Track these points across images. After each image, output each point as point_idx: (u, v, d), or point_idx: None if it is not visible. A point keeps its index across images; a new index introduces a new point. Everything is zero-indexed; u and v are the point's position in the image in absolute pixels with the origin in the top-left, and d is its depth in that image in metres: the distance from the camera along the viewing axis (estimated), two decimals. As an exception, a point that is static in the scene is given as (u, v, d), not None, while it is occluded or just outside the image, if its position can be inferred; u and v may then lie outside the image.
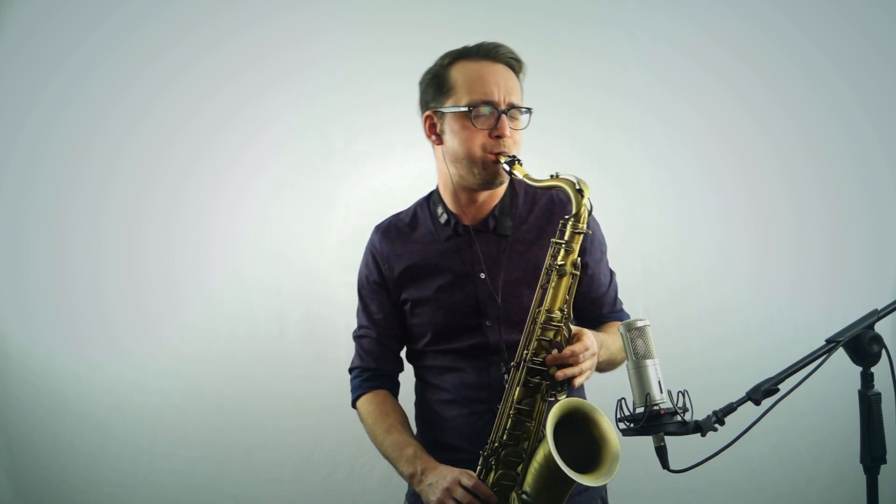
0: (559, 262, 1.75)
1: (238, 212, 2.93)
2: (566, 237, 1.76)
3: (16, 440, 2.98)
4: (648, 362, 1.58)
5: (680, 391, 1.55)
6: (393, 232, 1.98)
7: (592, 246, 1.93)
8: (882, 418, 1.53)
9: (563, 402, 1.68)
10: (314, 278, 2.90)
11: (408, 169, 2.79)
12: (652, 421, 1.53)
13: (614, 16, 2.88)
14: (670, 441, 1.56)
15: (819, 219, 2.86)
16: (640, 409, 1.55)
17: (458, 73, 1.84)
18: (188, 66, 2.91)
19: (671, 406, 1.55)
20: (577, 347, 1.70)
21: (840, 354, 1.54)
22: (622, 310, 2.04)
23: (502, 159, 1.80)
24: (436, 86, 1.87)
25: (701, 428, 1.52)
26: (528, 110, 1.86)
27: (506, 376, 1.80)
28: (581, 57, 2.86)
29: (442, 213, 1.93)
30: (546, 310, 1.74)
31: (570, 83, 2.86)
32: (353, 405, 2.00)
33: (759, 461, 2.83)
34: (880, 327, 1.56)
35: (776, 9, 2.85)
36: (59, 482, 2.96)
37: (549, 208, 1.93)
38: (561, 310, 1.74)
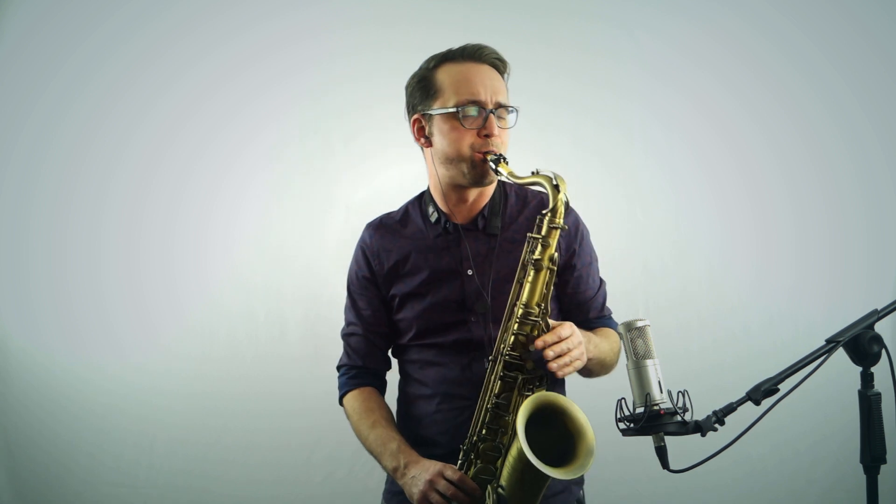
0: (536, 257, 1.76)
1: (238, 212, 2.93)
2: (543, 232, 1.77)
3: (16, 440, 2.98)
4: (648, 362, 1.58)
5: (680, 391, 1.55)
6: (383, 228, 2.00)
7: (582, 249, 1.96)
8: (882, 418, 1.53)
9: (535, 395, 1.70)
10: (314, 279, 2.90)
11: (407, 169, 2.77)
12: (652, 421, 1.53)
13: (614, 15, 2.88)
14: (670, 441, 1.56)
15: (819, 219, 2.86)
16: (640, 409, 1.56)
17: (445, 75, 1.86)
18: (188, 66, 2.91)
19: (671, 406, 1.55)
20: (559, 333, 1.70)
21: (840, 354, 1.54)
22: (611, 317, 2.04)
23: (489, 157, 1.82)
24: (422, 89, 1.89)
25: (701, 428, 1.52)
26: (515, 109, 1.89)
27: (488, 360, 1.81)
28: (581, 56, 2.86)
29: (433, 213, 1.95)
30: (523, 304, 1.75)
31: (570, 82, 2.87)
32: (340, 402, 2.02)
33: (759, 461, 2.83)
34: (880, 327, 1.56)
35: (776, 8, 2.85)
36: (58, 482, 2.96)
37: (538, 210, 1.94)
38: (538, 304, 1.76)
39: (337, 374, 2.05)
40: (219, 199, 2.93)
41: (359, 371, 2.01)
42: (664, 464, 1.57)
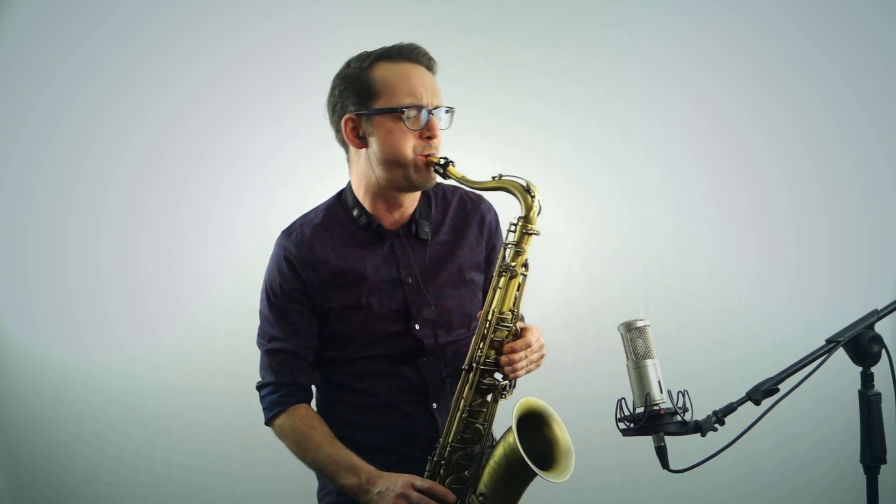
0: (510, 263, 1.75)
1: (238, 212, 2.93)
2: (516, 238, 1.75)
3: (16, 439, 2.99)
4: (648, 362, 1.58)
5: (680, 391, 1.55)
6: (308, 235, 1.90)
7: (499, 243, 1.91)
8: (882, 418, 1.53)
9: (524, 401, 1.72)
10: (314, 278, 2.89)
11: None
12: (652, 421, 1.53)
13: (614, 15, 2.88)
14: (670, 441, 1.56)
15: (819, 219, 2.86)
16: (640, 409, 1.56)
17: (382, 75, 1.80)
18: (188, 66, 2.91)
19: (671, 406, 1.55)
20: (529, 340, 1.74)
21: (840, 354, 1.54)
22: None
23: (433, 160, 1.78)
24: (358, 89, 1.83)
25: (701, 428, 1.52)
26: (452, 110, 1.84)
27: (447, 379, 1.81)
28: (581, 56, 2.86)
29: (360, 216, 1.88)
30: (497, 311, 1.74)
31: (571, 82, 2.87)
32: (268, 423, 1.91)
33: (759, 461, 2.83)
34: (880, 327, 1.56)
35: (776, 8, 2.85)
36: (58, 481, 2.96)
37: (461, 208, 1.93)
38: (511, 310, 1.75)
39: (258, 392, 1.95)
40: (219, 198, 2.93)
41: (290, 389, 1.89)
42: (664, 464, 1.57)
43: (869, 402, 1.53)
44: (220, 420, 2.91)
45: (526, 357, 1.74)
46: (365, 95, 1.82)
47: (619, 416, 1.57)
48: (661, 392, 1.56)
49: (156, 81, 2.92)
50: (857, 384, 1.55)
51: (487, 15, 2.85)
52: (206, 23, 2.91)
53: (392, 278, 1.86)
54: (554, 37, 2.86)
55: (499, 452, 1.72)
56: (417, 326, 1.85)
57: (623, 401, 1.58)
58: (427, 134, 1.79)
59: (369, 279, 1.85)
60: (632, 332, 1.60)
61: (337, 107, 1.87)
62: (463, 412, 1.75)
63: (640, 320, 1.61)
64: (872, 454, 1.53)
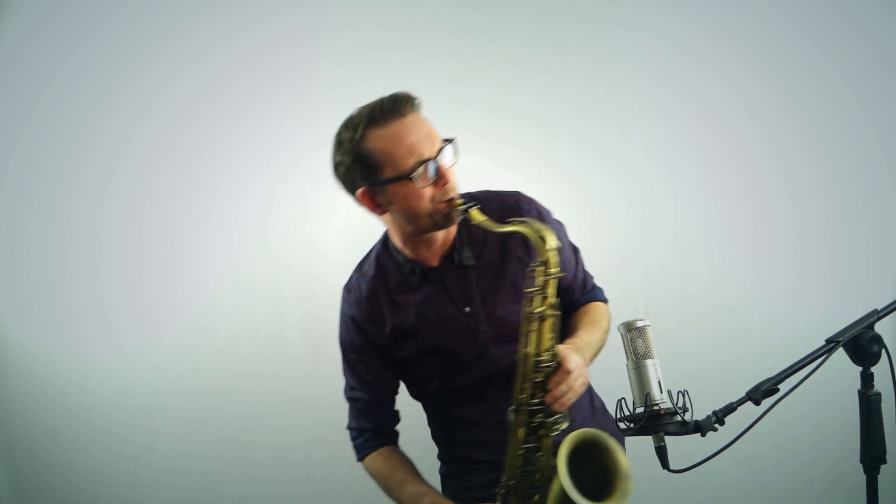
0: (538, 310, 1.75)
1: (238, 212, 2.93)
2: (539, 283, 1.75)
3: (16, 439, 2.99)
4: (648, 362, 1.59)
5: (680, 391, 1.55)
6: (365, 292, 1.97)
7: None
8: (882, 418, 1.53)
9: (573, 434, 1.71)
10: (314, 278, 2.89)
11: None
12: (652, 421, 1.54)
13: (614, 15, 2.88)
14: (670, 441, 1.56)
15: (819, 219, 2.86)
16: (640, 409, 1.56)
17: (378, 145, 1.80)
18: (188, 66, 2.91)
19: (671, 406, 1.55)
20: (568, 368, 1.72)
21: (840, 354, 1.55)
22: (595, 286, 2.05)
23: (457, 205, 1.79)
24: (360, 166, 1.83)
25: (701, 428, 1.53)
26: (452, 140, 1.83)
27: (510, 410, 1.81)
28: (580, 56, 2.86)
29: (405, 263, 1.93)
30: (534, 354, 1.74)
31: (570, 82, 2.86)
32: (359, 460, 2.06)
33: (759, 461, 2.83)
34: (880, 327, 1.56)
35: (776, 8, 2.85)
36: (58, 481, 2.96)
37: (500, 217, 1.93)
38: (548, 350, 1.75)
39: (349, 432, 2.08)
40: (219, 198, 2.93)
41: (371, 434, 2.03)
42: (664, 464, 1.57)
43: (869, 402, 1.53)
44: (220, 420, 2.91)
45: (570, 388, 1.73)
46: (369, 170, 1.83)
47: (619, 415, 1.58)
48: (661, 392, 1.57)
49: (156, 81, 2.92)
50: (857, 384, 1.55)
51: (487, 15, 2.85)
52: (206, 23, 2.91)
53: (450, 314, 1.90)
54: (554, 37, 2.86)
55: (555, 487, 1.73)
56: (491, 349, 1.89)
57: (623, 401, 1.58)
58: (441, 182, 1.80)
59: (430, 322, 1.90)
60: (632, 332, 1.61)
61: (347, 182, 1.89)
62: (518, 448, 1.77)
63: (640, 320, 1.61)
64: (872, 454, 1.53)
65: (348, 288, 2.02)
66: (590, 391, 2.03)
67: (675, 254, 2.88)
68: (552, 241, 1.74)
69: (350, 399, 2.05)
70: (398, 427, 2.08)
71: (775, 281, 2.86)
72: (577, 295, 2.00)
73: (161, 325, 2.93)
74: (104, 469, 2.94)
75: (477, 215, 1.78)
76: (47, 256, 2.96)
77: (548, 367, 1.74)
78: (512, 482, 1.78)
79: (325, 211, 2.91)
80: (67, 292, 2.95)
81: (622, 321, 1.76)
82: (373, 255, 2.01)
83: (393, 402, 2.03)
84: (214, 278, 2.92)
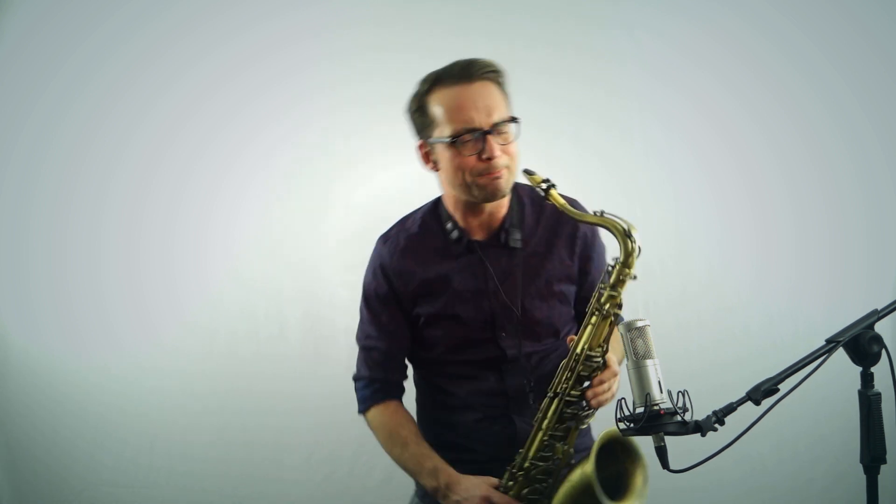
0: (604, 306, 1.75)
1: (238, 212, 2.93)
2: (612, 280, 1.75)
3: (15, 440, 2.99)
4: (648, 362, 1.59)
5: (680, 391, 1.55)
6: (402, 245, 1.96)
7: (596, 253, 1.97)
8: (882, 418, 1.53)
9: (608, 431, 1.72)
10: (314, 278, 2.90)
11: (407, 169, 2.77)
12: (652, 421, 1.54)
13: (614, 15, 2.88)
14: (670, 441, 1.56)
15: (819, 219, 2.86)
16: (640, 409, 1.56)
17: (436, 103, 1.82)
18: (188, 66, 2.91)
19: (671, 406, 1.55)
20: (614, 370, 1.77)
21: (840, 354, 1.54)
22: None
23: (534, 179, 1.78)
24: (420, 117, 1.85)
25: (701, 428, 1.53)
26: (514, 120, 1.83)
27: (528, 386, 1.83)
28: (580, 56, 2.86)
29: (452, 229, 1.92)
30: (587, 347, 1.75)
31: (570, 82, 2.86)
32: (361, 413, 2.01)
33: (760, 461, 2.83)
34: (880, 327, 1.56)
35: (776, 8, 2.85)
36: (58, 482, 2.96)
37: (556, 218, 1.94)
38: (601, 346, 1.76)
39: (353, 382, 2.03)
40: (219, 198, 2.93)
41: (381, 384, 1.99)
42: (664, 464, 1.57)
43: (869, 402, 1.53)
44: (220, 420, 2.91)
45: (609, 388, 1.76)
46: (425, 124, 1.85)
47: (619, 415, 1.57)
48: (661, 392, 1.57)
49: (156, 81, 2.92)
50: (857, 384, 1.55)
51: (487, 15, 2.85)
52: (206, 23, 2.91)
53: (479, 288, 1.89)
54: (554, 37, 2.86)
55: (575, 476, 1.75)
56: (504, 334, 1.89)
57: (623, 401, 1.58)
58: (485, 155, 1.78)
59: (456, 290, 1.90)
60: (632, 332, 1.61)
61: (413, 132, 1.90)
62: (545, 433, 1.78)
63: (640, 320, 1.61)
64: (872, 454, 1.53)
65: (385, 237, 2.00)
66: None
67: (675, 254, 2.88)
68: (636, 238, 1.74)
69: (364, 347, 2.00)
70: (405, 383, 2.05)
71: (775, 281, 2.86)
72: None
73: (161, 325, 2.93)
74: (104, 469, 2.94)
75: (557, 197, 1.77)
76: (47, 256, 2.96)
77: (596, 363, 1.75)
78: (527, 464, 1.78)
79: (326, 211, 2.91)
80: (67, 292, 2.95)
81: (622, 321, 1.76)
82: (419, 213, 2.00)
83: (404, 355, 2.00)
84: (214, 278, 2.92)
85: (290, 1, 2.91)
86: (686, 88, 2.86)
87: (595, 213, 1.77)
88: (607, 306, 1.75)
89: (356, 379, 2.02)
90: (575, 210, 1.79)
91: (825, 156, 2.86)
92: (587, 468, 1.69)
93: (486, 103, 1.80)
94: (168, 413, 2.92)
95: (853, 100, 2.83)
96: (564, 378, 1.77)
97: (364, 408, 1.99)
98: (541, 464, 1.78)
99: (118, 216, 2.94)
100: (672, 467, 1.56)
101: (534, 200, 1.95)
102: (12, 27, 2.94)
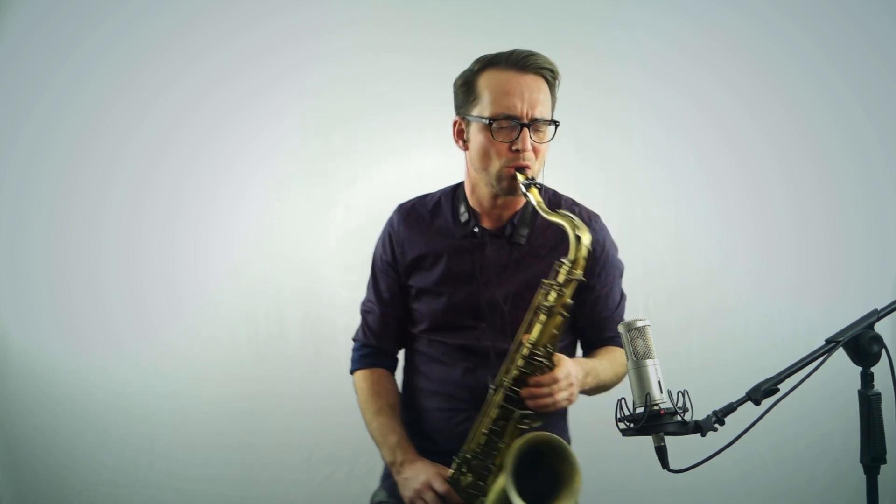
0: (550, 304, 1.76)
1: (238, 212, 2.93)
2: (560, 279, 1.76)
3: (15, 440, 2.98)
4: (648, 362, 1.58)
5: (680, 391, 1.55)
6: (413, 217, 2.00)
7: (604, 271, 1.95)
8: (882, 418, 1.53)
9: (529, 436, 1.73)
10: (314, 278, 2.90)
11: (408, 169, 2.79)
12: (652, 421, 1.53)
13: (614, 15, 2.88)
14: (670, 441, 1.56)
15: (819, 219, 2.86)
16: (640, 409, 1.56)
17: (485, 82, 1.83)
18: (188, 66, 2.91)
19: (671, 406, 1.55)
20: (556, 375, 1.74)
21: (840, 354, 1.54)
22: None
23: (521, 177, 1.80)
24: (465, 92, 1.87)
25: (701, 428, 1.52)
26: (554, 122, 1.85)
27: (490, 388, 1.81)
28: (580, 56, 2.86)
29: (464, 212, 1.94)
30: (531, 343, 1.76)
31: (570, 82, 2.84)
32: (351, 373, 2.07)
33: (759, 461, 2.83)
34: (880, 327, 1.56)
35: (776, 8, 2.85)
36: (58, 482, 2.96)
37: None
38: (545, 346, 1.76)
39: (352, 343, 2.09)
40: (219, 199, 2.93)
41: (372, 350, 2.04)
42: (664, 464, 1.57)
43: (869, 402, 1.53)
44: (220, 421, 2.91)
45: (550, 395, 1.74)
46: (468, 100, 1.85)
47: (618, 416, 1.57)
48: (661, 392, 1.56)
49: (156, 81, 2.92)
50: (857, 384, 1.55)
51: (487, 15, 2.85)
52: (206, 23, 2.91)
53: (469, 274, 1.91)
54: (554, 37, 2.85)
55: (499, 484, 1.75)
56: (484, 326, 1.89)
57: (623, 401, 1.58)
58: (516, 146, 1.80)
59: (450, 271, 1.92)
60: (632, 333, 1.60)
61: (455, 105, 1.91)
62: (484, 428, 1.78)
63: (640, 320, 1.61)
64: (872, 454, 1.53)
65: (401, 206, 2.04)
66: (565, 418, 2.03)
67: (675, 254, 2.88)
68: (586, 243, 1.75)
69: (364, 312, 2.07)
70: (399, 355, 2.09)
71: (775, 281, 2.86)
72: (607, 333, 1.99)
73: (161, 325, 2.93)
74: (104, 470, 2.94)
75: (535, 194, 1.79)
76: (47, 256, 2.95)
77: (540, 363, 1.75)
78: (470, 456, 1.78)
79: (326, 211, 2.91)
80: (67, 293, 2.94)
81: (622, 321, 1.76)
82: (438, 193, 2.03)
83: (399, 325, 2.03)
84: (214, 278, 2.92)
85: (290, 1, 2.91)
86: (686, 88, 2.87)
87: (560, 212, 1.79)
88: (553, 305, 1.75)
89: (354, 340, 2.10)
90: (544, 208, 1.79)
91: (825, 156, 2.86)
92: (504, 476, 1.70)
93: (533, 97, 1.82)
94: (168, 413, 2.91)
95: (853, 100, 2.84)
96: (506, 371, 1.78)
97: (353, 369, 2.06)
98: (481, 459, 1.78)
99: (118, 216, 2.94)
100: (672, 467, 1.56)
101: (552, 206, 1.94)
102: (12, 27, 2.94)
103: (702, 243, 2.89)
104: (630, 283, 2.86)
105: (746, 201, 2.88)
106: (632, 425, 1.56)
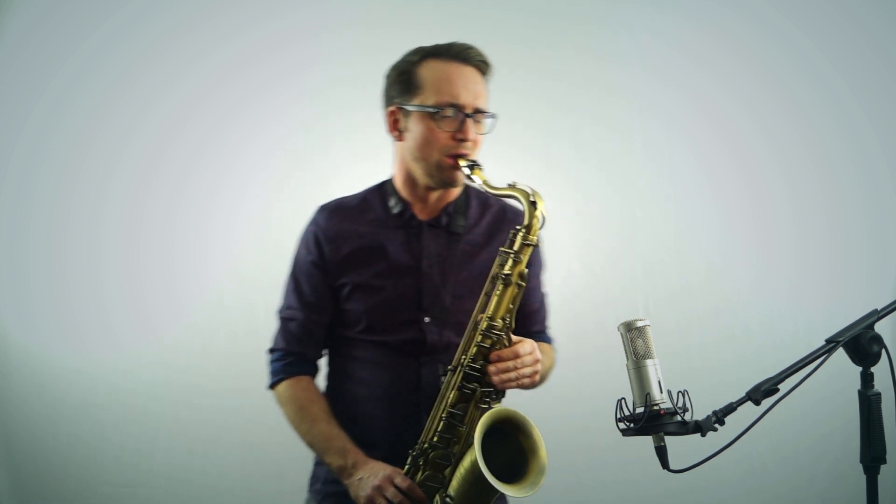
0: (506, 272, 1.75)
1: (238, 212, 2.93)
2: (515, 247, 1.75)
3: (15, 439, 2.98)
4: (648, 362, 1.58)
5: (680, 391, 1.55)
6: (341, 213, 1.95)
7: (534, 263, 1.91)
8: (882, 418, 1.53)
9: (495, 410, 1.70)
10: (314, 278, 2.89)
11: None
12: (652, 421, 1.53)
13: (614, 15, 2.88)
14: (670, 441, 1.56)
15: (819, 219, 2.86)
16: (640, 409, 1.55)
17: (427, 72, 1.83)
18: (188, 66, 2.91)
19: (671, 406, 1.55)
20: (518, 350, 1.72)
21: (840, 354, 1.54)
22: (547, 332, 2.03)
23: (462, 163, 1.79)
24: (403, 82, 1.86)
25: (701, 428, 1.52)
26: (493, 116, 1.84)
27: (443, 378, 1.78)
28: (580, 57, 2.86)
29: (395, 205, 1.91)
30: (488, 317, 1.74)
31: (571, 83, 2.87)
32: (271, 387, 1.96)
33: (759, 461, 2.83)
34: (880, 327, 1.56)
35: (776, 9, 2.85)
36: (58, 481, 2.96)
37: (500, 216, 1.94)
38: (503, 318, 1.74)
39: (269, 355, 1.98)
40: (219, 199, 2.93)
41: (296, 358, 1.94)
42: (664, 464, 1.57)
43: (869, 402, 1.53)
44: (220, 420, 2.91)
45: (515, 369, 1.72)
46: (408, 90, 1.85)
47: (618, 416, 1.57)
48: (661, 392, 1.56)
49: (156, 81, 2.92)
50: (857, 384, 1.55)
51: (487, 15, 2.85)
52: (206, 23, 2.91)
53: (410, 265, 1.87)
54: (554, 37, 2.86)
55: (467, 460, 1.71)
56: (427, 320, 1.86)
57: (623, 401, 1.57)
58: (459, 136, 1.79)
59: (387, 261, 1.87)
60: (632, 332, 1.60)
61: (385, 97, 1.90)
62: (444, 412, 1.74)
63: (640, 320, 1.61)
64: (872, 454, 1.52)
65: (324, 206, 1.98)
66: None
67: (675, 253, 2.88)
68: (540, 208, 1.74)
69: (283, 319, 1.96)
70: (320, 363, 2.00)
71: (775, 280, 2.87)
72: (536, 328, 1.97)
73: (161, 324, 2.93)
74: (104, 469, 2.94)
75: (481, 175, 1.78)
76: (47, 256, 2.96)
77: (498, 335, 1.73)
78: (428, 446, 1.74)
79: (325, 211, 2.91)
80: (67, 292, 2.95)
81: (622, 321, 1.76)
82: (361, 193, 1.99)
83: (324, 331, 1.94)
84: (214, 277, 2.93)
85: (290, 1, 2.91)
86: (686, 89, 2.87)
87: (508, 184, 1.78)
88: (509, 273, 1.74)
89: (271, 351, 1.98)
90: (491, 185, 1.77)
91: (825, 156, 2.86)
92: (472, 451, 1.65)
93: (476, 88, 1.83)
94: (168, 413, 2.92)
95: (853, 100, 2.84)
96: (464, 349, 1.75)
97: (275, 381, 1.94)
98: (440, 448, 1.74)
99: (118, 216, 2.94)
100: (672, 467, 1.56)
101: (481, 199, 1.95)
102: (12, 27, 2.94)
103: (702, 243, 2.89)
104: (630, 283, 2.88)
105: (746, 201, 2.88)
106: (632, 425, 1.56)
